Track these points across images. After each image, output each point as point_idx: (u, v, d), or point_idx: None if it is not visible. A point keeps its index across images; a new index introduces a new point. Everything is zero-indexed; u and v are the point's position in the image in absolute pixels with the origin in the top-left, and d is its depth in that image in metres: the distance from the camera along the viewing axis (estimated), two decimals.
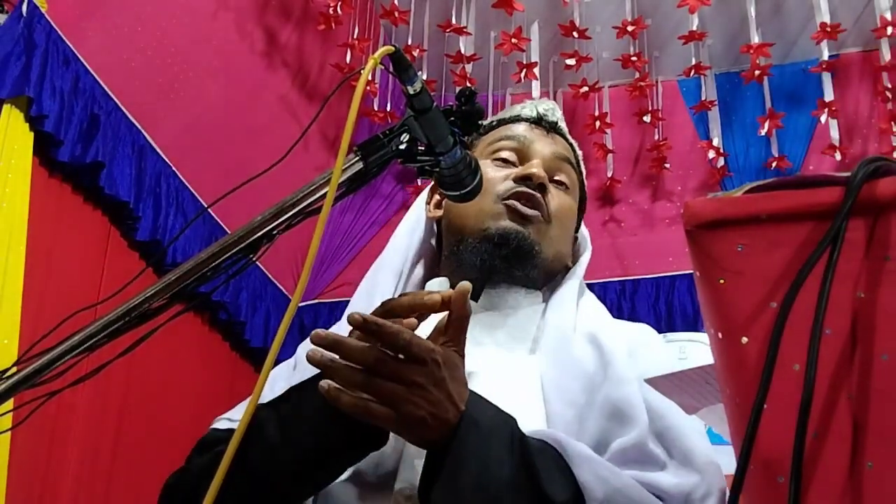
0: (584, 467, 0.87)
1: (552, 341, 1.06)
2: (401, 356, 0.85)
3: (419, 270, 1.19)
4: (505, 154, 1.17)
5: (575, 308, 1.11)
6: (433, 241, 1.23)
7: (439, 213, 1.20)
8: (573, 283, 1.15)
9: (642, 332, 1.15)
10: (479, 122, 0.95)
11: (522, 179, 1.12)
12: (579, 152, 1.26)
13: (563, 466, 0.87)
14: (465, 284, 0.90)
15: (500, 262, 1.09)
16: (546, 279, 1.16)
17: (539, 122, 1.21)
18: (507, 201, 1.11)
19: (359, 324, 0.84)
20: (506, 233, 1.09)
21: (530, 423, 0.96)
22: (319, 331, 0.85)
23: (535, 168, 1.13)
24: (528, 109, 1.22)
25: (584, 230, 1.26)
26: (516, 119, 1.21)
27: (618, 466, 0.91)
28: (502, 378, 1.02)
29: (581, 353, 1.04)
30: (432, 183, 1.22)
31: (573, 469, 0.87)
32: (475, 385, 0.99)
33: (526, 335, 1.09)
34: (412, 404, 0.83)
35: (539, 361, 1.04)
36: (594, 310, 1.15)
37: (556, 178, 1.17)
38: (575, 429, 0.96)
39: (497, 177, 1.14)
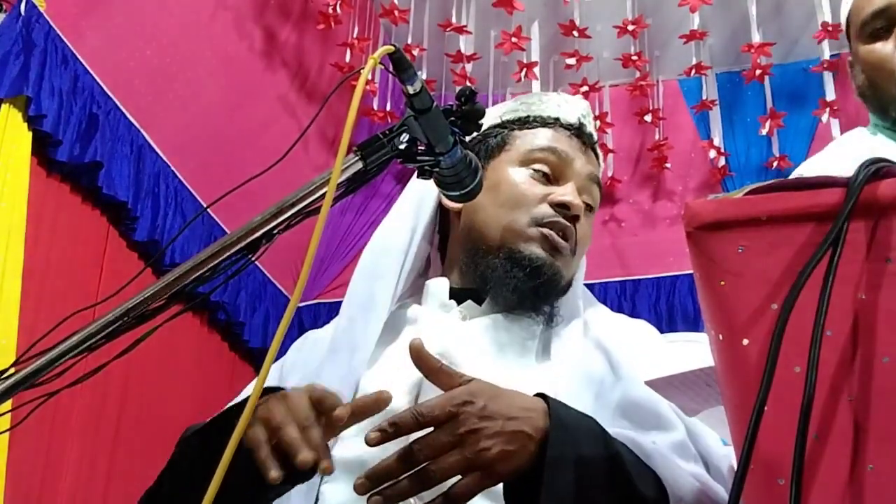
0: (662, 465, 0.88)
1: (562, 351, 1.05)
2: (432, 430, 0.82)
3: (422, 255, 1.15)
4: (543, 166, 1.11)
5: (581, 314, 1.10)
6: (436, 228, 1.18)
7: (458, 205, 1.14)
8: (576, 291, 1.14)
9: (643, 329, 1.15)
10: (480, 123, 0.94)
11: (560, 207, 1.08)
12: (602, 165, 1.22)
13: (645, 466, 0.88)
14: (414, 343, 0.88)
15: (529, 291, 1.06)
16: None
17: (579, 133, 1.15)
18: (543, 228, 1.07)
19: (380, 439, 0.81)
20: (540, 264, 1.06)
21: None
22: (363, 481, 0.81)
23: (572, 196, 1.08)
24: (566, 113, 1.16)
25: None
26: (555, 123, 1.15)
27: None
28: (514, 388, 1.02)
29: (590, 359, 1.03)
30: None
31: (654, 468, 0.88)
32: None
33: (534, 341, 1.08)
34: (484, 451, 0.80)
35: (551, 372, 1.04)
36: (595, 311, 1.15)
37: (586, 199, 1.13)
38: None
39: (534, 193, 1.09)
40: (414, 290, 1.15)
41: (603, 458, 0.85)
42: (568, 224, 1.08)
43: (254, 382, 0.78)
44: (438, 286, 1.11)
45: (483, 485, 0.81)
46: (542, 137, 1.13)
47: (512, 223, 1.07)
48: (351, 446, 0.96)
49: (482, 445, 0.81)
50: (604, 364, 1.03)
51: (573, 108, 1.17)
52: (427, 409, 0.82)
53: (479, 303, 1.09)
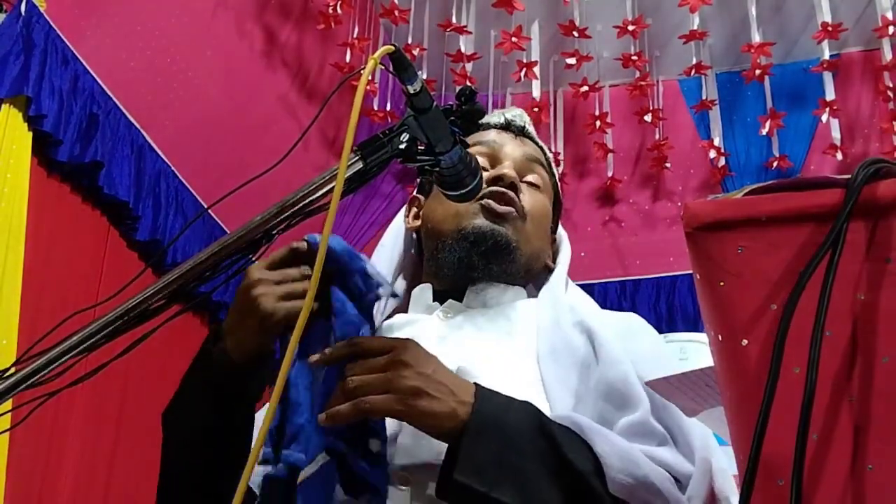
0: (601, 441, 0.88)
1: (546, 332, 1.07)
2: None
3: (401, 283, 1.21)
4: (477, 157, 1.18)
5: (564, 300, 1.13)
6: (413, 252, 1.24)
7: (417, 222, 1.22)
8: (559, 279, 1.17)
9: (631, 320, 1.16)
10: (479, 122, 0.95)
11: (494, 180, 1.14)
12: (549, 154, 1.28)
13: (581, 440, 0.88)
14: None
15: (477, 258, 1.10)
16: (527, 276, 1.18)
17: (507, 127, 1.23)
18: (481, 201, 1.11)
19: (319, 361, 0.87)
20: (482, 231, 1.10)
21: None
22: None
23: (507, 169, 1.15)
24: (495, 117, 1.25)
25: (562, 231, 1.28)
26: (485, 127, 1.23)
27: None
28: (502, 371, 1.03)
29: (574, 340, 1.05)
30: (410, 196, 1.25)
31: (591, 443, 0.88)
32: (476, 379, 1.00)
33: (519, 328, 1.09)
34: (404, 379, 0.84)
35: (535, 352, 1.05)
36: (581, 301, 1.17)
37: (528, 178, 1.19)
38: (580, 414, 0.97)
39: None
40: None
41: (530, 427, 0.87)
42: (506, 191, 1.13)
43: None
44: (421, 292, 1.16)
45: (394, 409, 0.84)
46: (471, 138, 1.19)
47: (456, 210, 1.12)
48: None
49: (405, 375, 0.84)
50: (586, 345, 1.04)
51: (502, 112, 1.26)
52: (363, 340, 0.87)
53: (461, 300, 1.13)
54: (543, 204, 1.19)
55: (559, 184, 1.29)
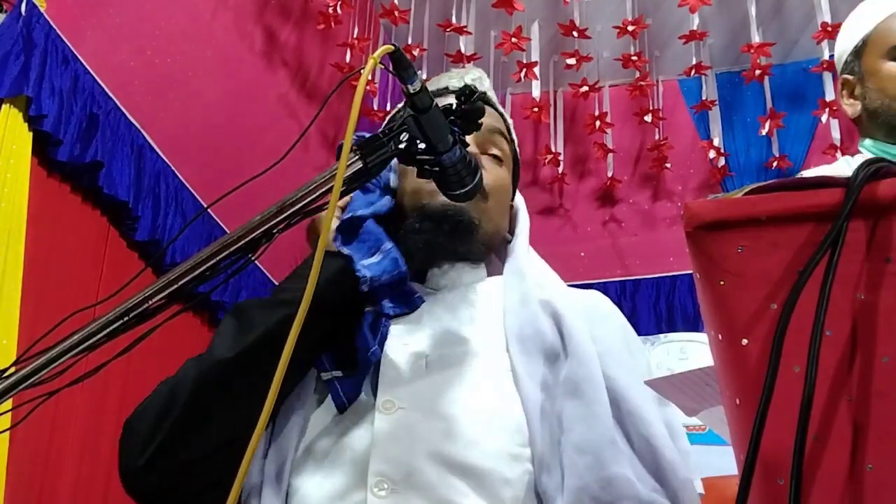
0: None
1: (513, 313, 1.06)
2: None
3: None
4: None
5: (530, 275, 1.11)
6: None
7: None
8: (522, 252, 1.15)
9: (596, 300, 1.14)
10: (480, 122, 0.95)
11: None
12: (510, 121, 1.24)
13: None
14: None
15: (442, 238, 1.08)
16: (487, 253, 1.16)
17: None
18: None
19: None
20: (443, 209, 1.07)
21: (506, 407, 0.97)
22: None
23: (470, 147, 1.11)
24: (455, 80, 1.19)
25: (519, 198, 1.25)
26: (444, 92, 1.17)
27: (577, 455, 0.92)
28: (473, 363, 1.03)
29: (541, 324, 1.04)
30: None
31: None
32: (446, 370, 1.00)
33: (485, 311, 1.08)
34: None
35: (503, 338, 1.05)
36: (545, 274, 1.15)
37: (490, 151, 1.15)
38: (547, 408, 0.97)
39: None
40: None
41: None
42: None
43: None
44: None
45: None
46: None
47: (415, 187, 1.09)
48: (319, 438, 0.98)
49: None
50: (554, 332, 1.03)
51: (462, 75, 1.19)
52: None
53: (423, 282, 1.12)
54: (504, 178, 1.16)
55: (518, 149, 1.25)
